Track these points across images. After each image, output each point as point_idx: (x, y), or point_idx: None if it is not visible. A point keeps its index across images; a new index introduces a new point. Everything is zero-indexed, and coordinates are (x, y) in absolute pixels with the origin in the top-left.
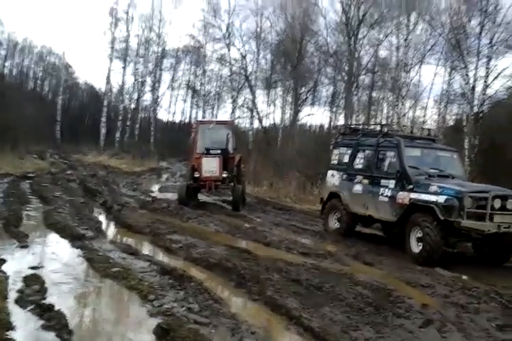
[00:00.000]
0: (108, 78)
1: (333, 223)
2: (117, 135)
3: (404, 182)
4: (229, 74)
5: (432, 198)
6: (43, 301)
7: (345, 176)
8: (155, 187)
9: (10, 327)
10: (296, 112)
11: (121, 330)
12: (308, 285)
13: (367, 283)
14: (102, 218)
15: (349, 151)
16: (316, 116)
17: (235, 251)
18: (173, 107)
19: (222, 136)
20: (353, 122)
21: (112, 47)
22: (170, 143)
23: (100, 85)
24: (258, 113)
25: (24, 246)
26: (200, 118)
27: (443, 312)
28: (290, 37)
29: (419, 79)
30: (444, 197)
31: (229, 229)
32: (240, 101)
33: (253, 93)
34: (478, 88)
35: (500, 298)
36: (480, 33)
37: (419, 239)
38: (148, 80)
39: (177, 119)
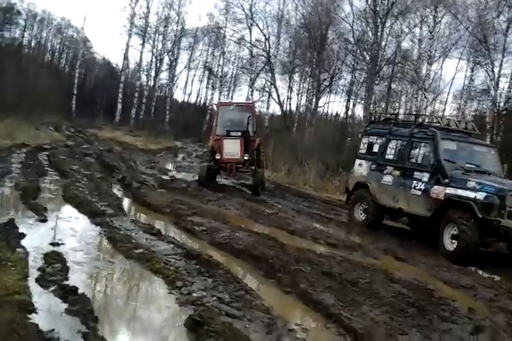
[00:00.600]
0: (126, 54)
1: (359, 214)
2: (133, 112)
3: (439, 175)
4: (249, 56)
5: (470, 194)
6: (66, 282)
7: (374, 166)
8: (172, 166)
9: (31, 309)
10: (318, 98)
11: (149, 321)
12: (342, 280)
13: (405, 281)
14: (120, 195)
15: (379, 141)
16: (332, 104)
17: (260, 238)
18: (189, 87)
19: (243, 118)
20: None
21: (132, 23)
22: (184, 124)
23: (117, 61)
24: (279, 96)
25: (43, 220)
26: (215, 100)
27: (492, 318)
28: (314, 21)
29: (441, 72)
30: (484, 194)
31: (250, 213)
32: (258, 85)
33: (273, 76)
34: (502, 85)
35: None
36: (507, 30)
37: (453, 236)
38: (166, 59)
39: (192, 100)
